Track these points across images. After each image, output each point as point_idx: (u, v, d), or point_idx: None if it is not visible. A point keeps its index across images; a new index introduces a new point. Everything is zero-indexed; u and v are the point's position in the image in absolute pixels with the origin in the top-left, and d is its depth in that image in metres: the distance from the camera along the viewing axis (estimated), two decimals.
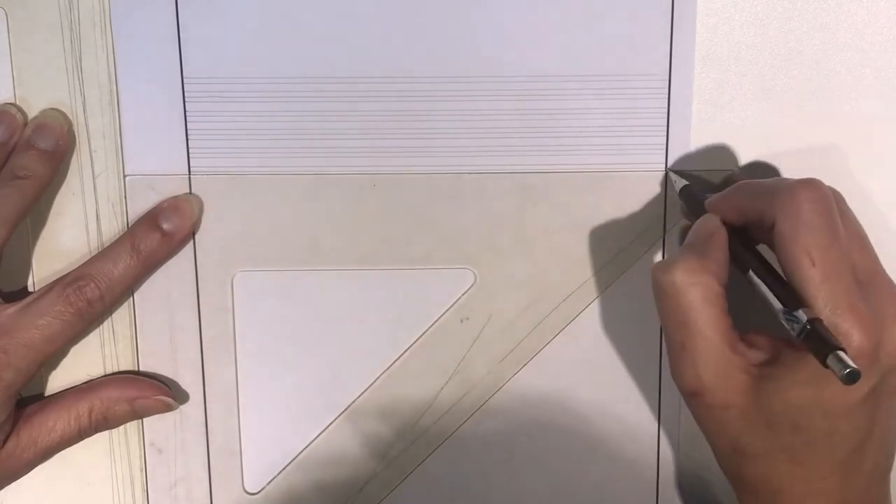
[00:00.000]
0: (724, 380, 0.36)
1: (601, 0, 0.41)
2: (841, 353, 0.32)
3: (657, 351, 0.44)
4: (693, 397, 0.37)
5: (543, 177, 0.42)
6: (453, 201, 0.43)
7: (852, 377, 0.32)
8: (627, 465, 0.45)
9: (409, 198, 0.43)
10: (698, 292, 0.36)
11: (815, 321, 0.34)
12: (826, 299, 0.34)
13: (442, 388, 0.44)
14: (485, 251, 0.43)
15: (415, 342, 0.44)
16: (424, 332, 0.44)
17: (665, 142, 0.42)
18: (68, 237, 0.43)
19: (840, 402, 0.35)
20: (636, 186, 0.43)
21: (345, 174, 0.42)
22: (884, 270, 0.37)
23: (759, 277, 0.36)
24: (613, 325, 0.44)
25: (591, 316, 0.44)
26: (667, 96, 0.42)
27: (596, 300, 0.44)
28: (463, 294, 0.43)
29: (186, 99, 0.41)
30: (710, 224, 0.38)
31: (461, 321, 0.44)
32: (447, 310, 0.44)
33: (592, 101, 0.42)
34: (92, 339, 0.43)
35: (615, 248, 0.43)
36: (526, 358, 0.44)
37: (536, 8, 0.41)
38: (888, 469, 0.38)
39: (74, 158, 0.42)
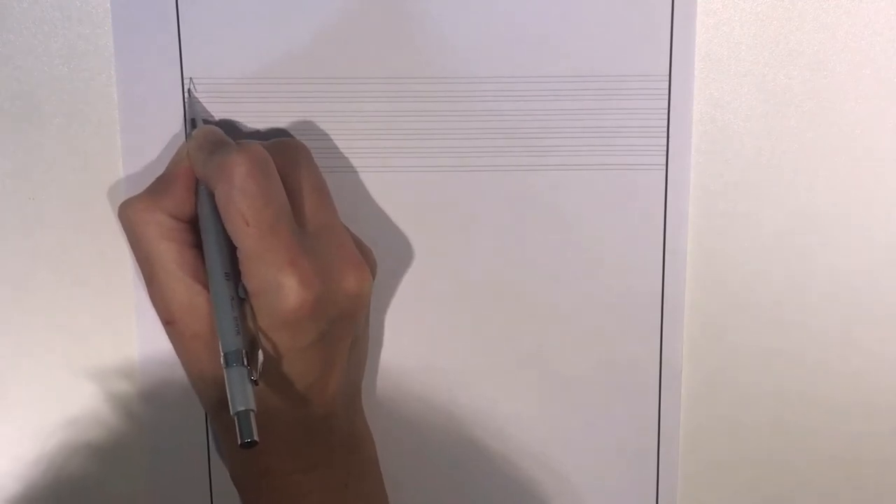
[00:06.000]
0: (190, 310, 0.38)
1: (601, 0, 0.41)
2: (243, 416, 0.35)
3: (657, 349, 0.44)
4: (166, 325, 0.39)
5: (543, 176, 0.42)
6: (453, 201, 0.43)
7: (247, 446, 0.34)
8: (628, 461, 0.45)
9: (409, 197, 0.43)
10: (152, 229, 0.38)
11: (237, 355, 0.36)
12: (264, 257, 0.36)
13: (440, 386, 0.44)
14: (483, 249, 0.43)
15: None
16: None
17: (665, 142, 0.42)
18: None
19: (289, 347, 0.37)
20: (636, 186, 0.43)
21: (344, 173, 0.42)
22: (338, 220, 0.39)
23: (205, 238, 0.38)
24: (612, 324, 0.44)
25: (590, 314, 0.44)
26: (667, 96, 0.42)
27: (594, 300, 0.44)
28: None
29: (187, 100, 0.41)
30: (178, 160, 0.40)
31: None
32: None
33: (592, 101, 0.42)
34: None
35: (615, 248, 0.43)
36: (523, 354, 0.44)
37: (536, 8, 0.41)
38: (354, 393, 0.42)
39: (75, 159, 0.42)
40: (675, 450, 0.45)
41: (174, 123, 0.41)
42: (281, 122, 0.42)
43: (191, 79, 0.41)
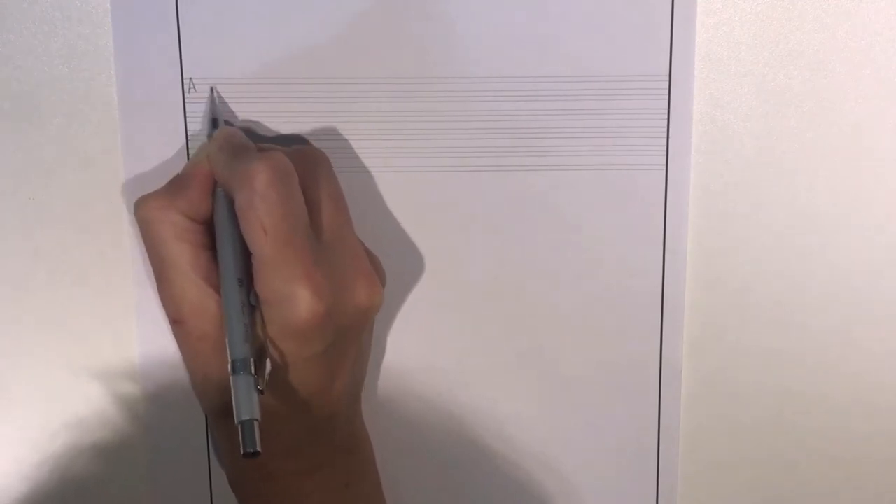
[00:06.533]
0: (200, 312, 0.38)
1: (601, 0, 0.41)
2: (247, 426, 0.35)
3: (657, 349, 0.44)
4: (174, 325, 0.39)
5: (543, 176, 0.42)
6: (453, 201, 0.43)
7: (250, 456, 0.34)
8: (628, 461, 0.45)
9: (410, 198, 0.43)
10: (166, 228, 0.38)
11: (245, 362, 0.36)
12: (279, 267, 0.36)
13: (440, 386, 0.44)
14: (484, 249, 0.43)
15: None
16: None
17: (665, 142, 0.42)
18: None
19: (297, 356, 0.37)
20: (636, 186, 0.43)
21: (346, 173, 0.42)
22: (353, 231, 0.39)
23: (220, 242, 0.38)
24: (612, 324, 0.44)
25: (590, 314, 0.44)
26: (667, 96, 0.42)
27: (594, 300, 0.44)
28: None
29: (187, 100, 0.41)
30: (197, 161, 0.39)
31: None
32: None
33: (592, 101, 0.42)
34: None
35: (615, 248, 0.43)
36: (523, 354, 0.44)
37: (536, 8, 0.41)
38: (355, 395, 0.42)
39: (74, 159, 0.42)
40: (675, 450, 0.45)
41: (174, 124, 0.41)
42: (281, 122, 0.42)
43: (190, 79, 0.41)
